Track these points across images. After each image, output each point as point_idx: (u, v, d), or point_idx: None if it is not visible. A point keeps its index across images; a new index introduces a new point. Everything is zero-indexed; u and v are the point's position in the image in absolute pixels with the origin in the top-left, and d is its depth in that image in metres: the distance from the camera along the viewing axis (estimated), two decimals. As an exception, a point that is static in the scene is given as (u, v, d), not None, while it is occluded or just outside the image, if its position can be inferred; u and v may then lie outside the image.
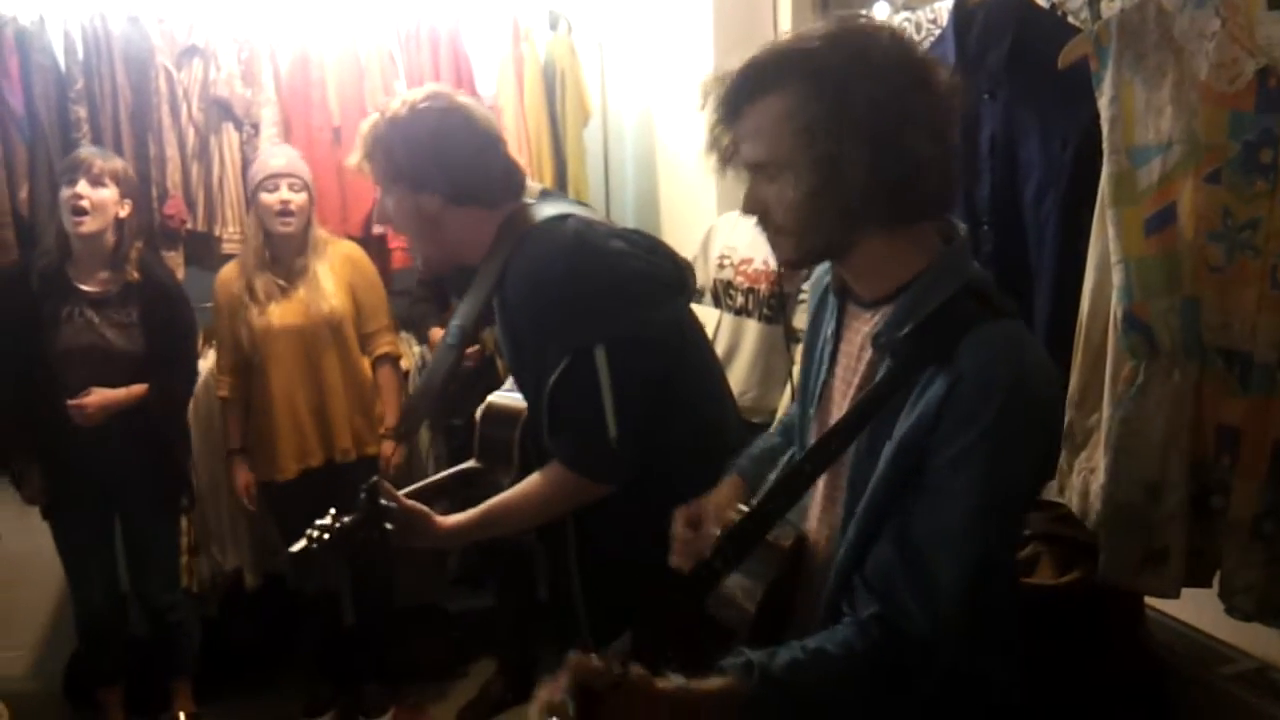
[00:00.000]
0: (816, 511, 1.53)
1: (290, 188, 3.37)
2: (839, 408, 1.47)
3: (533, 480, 2.10)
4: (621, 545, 2.09)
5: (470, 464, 2.36)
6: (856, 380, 1.43)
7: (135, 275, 3.25)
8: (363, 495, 2.01)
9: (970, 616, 1.30)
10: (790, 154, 1.33)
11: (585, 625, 2.26)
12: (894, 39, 1.35)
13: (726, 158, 1.43)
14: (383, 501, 2.01)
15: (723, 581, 1.36)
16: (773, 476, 1.69)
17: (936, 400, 1.27)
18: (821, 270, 1.64)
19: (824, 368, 1.53)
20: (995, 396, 1.25)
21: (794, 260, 1.43)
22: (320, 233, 3.50)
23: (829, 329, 1.53)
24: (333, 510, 2.02)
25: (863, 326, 1.44)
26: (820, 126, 1.29)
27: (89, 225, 3.13)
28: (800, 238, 1.38)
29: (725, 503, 1.66)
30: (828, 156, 1.29)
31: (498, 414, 2.35)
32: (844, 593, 1.37)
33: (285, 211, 3.36)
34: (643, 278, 2.10)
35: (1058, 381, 1.36)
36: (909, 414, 1.30)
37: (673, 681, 1.21)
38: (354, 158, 2.13)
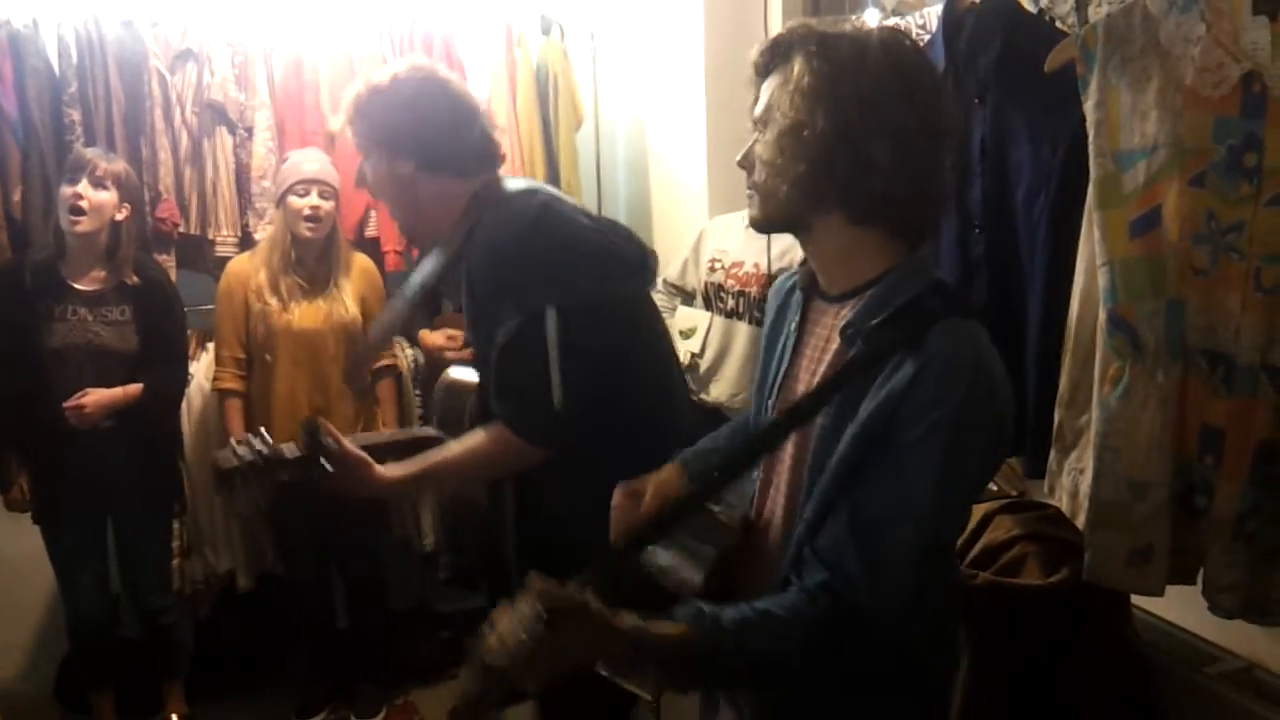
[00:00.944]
0: (774, 493, 1.57)
1: (321, 194, 3.40)
2: None
3: (475, 437, 2.14)
4: (559, 522, 2.14)
5: (429, 430, 2.41)
6: (822, 370, 1.48)
7: (134, 280, 3.26)
8: (303, 430, 2.03)
9: (912, 594, 1.37)
10: (774, 113, 1.43)
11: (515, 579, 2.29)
12: (908, 59, 1.42)
13: None
14: (324, 440, 2.03)
15: (668, 537, 1.46)
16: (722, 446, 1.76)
17: (903, 383, 1.33)
18: (784, 277, 1.70)
19: (786, 360, 1.57)
20: (960, 383, 1.32)
21: (759, 219, 1.51)
22: (344, 242, 3.54)
23: (792, 324, 1.58)
24: (267, 434, 2.05)
25: (829, 320, 1.50)
26: (806, 94, 1.39)
27: (85, 225, 3.14)
28: (764, 196, 1.48)
29: (667, 480, 1.70)
30: (799, 122, 1.39)
31: (455, 385, 2.46)
32: (796, 565, 1.43)
33: (314, 217, 3.39)
34: (602, 251, 2.16)
35: (1008, 380, 1.40)
36: (874, 396, 1.35)
37: (629, 621, 1.28)
38: (337, 122, 2.22)
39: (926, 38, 2.48)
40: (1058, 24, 2.12)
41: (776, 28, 3.51)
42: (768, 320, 1.70)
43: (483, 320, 2.13)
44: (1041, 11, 2.17)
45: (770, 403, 1.59)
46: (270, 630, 3.96)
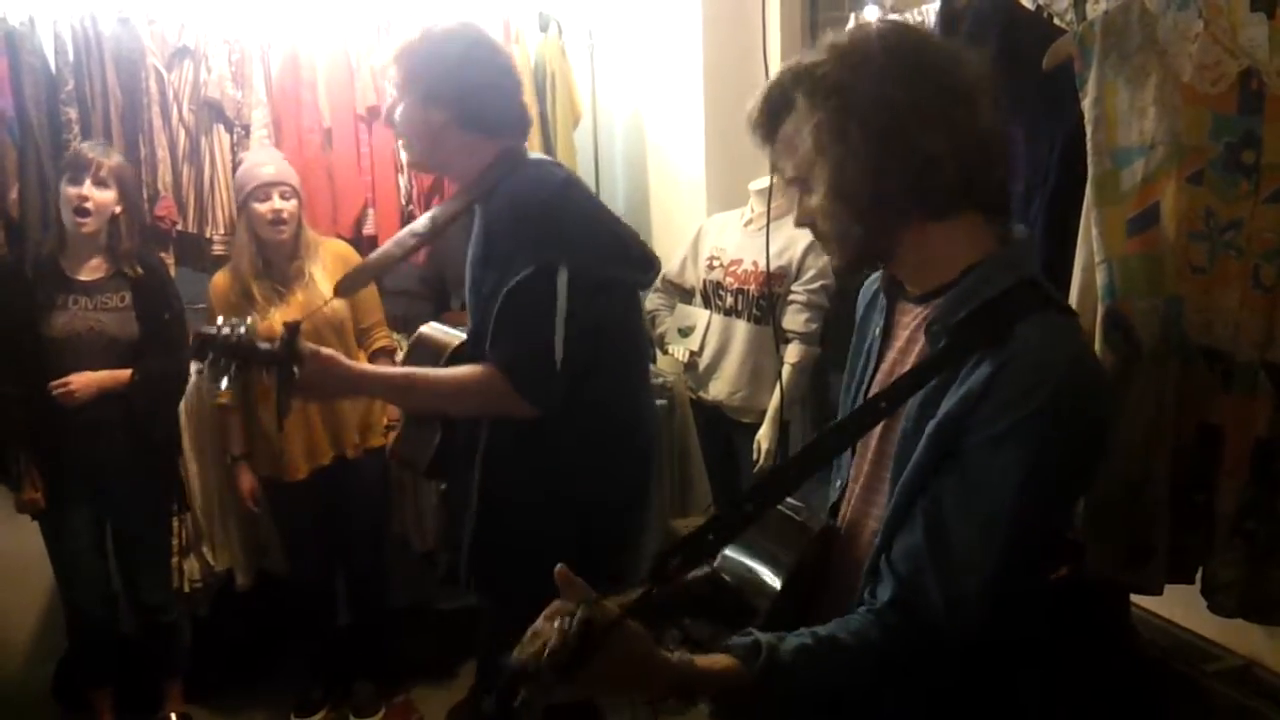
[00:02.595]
0: (861, 504, 1.50)
1: (282, 196, 3.38)
2: None
3: (463, 368, 2.18)
4: (520, 490, 2.20)
5: None
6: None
7: (138, 271, 3.29)
8: (284, 330, 2.05)
9: (993, 608, 1.27)
10: (809, 165, 1.35)
11: (465, 562, 2.31)
12: (905, 39, 1.35)
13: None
14: (299, 344, 2.05)
15: (741, 533, 1.31)
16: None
17: (983, 379, 1.25)
18: (870, 279, 1.64)
19: (872, 365, 1.52)
20: (1046, 383, 1.23)
21: (842, 266, 1.45)
22: (310, 234, 3.51)
23: (878, 328, 1.52)
24: (249, 321, 2.06)
25: (913, 321, 1.44)
26: (826, 131, 1.31)
27: (91, 226, 3.19)
28: (839, 243, 1.40)
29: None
30: (836, 160, 1.32)
31: (428, 343, 2.43)
32: (871, 579, 1.35)
33: (278, 220, 3.37)
34: (617, 236, 2.24)
35: (1108, 381, 1.34)
36: (954, 393, 1.28)
37: (675, 654, 1.20)
38: (383, 60, 2.31)
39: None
40: (1055, 21, 2.11)
41: (775, 22, 3.52)
42: (857, 323, 1.65)
43: (492, 268, 2.15)
44: (1039, 8, 2.16)
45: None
46: (269, 628, 3.96)
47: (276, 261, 3.45)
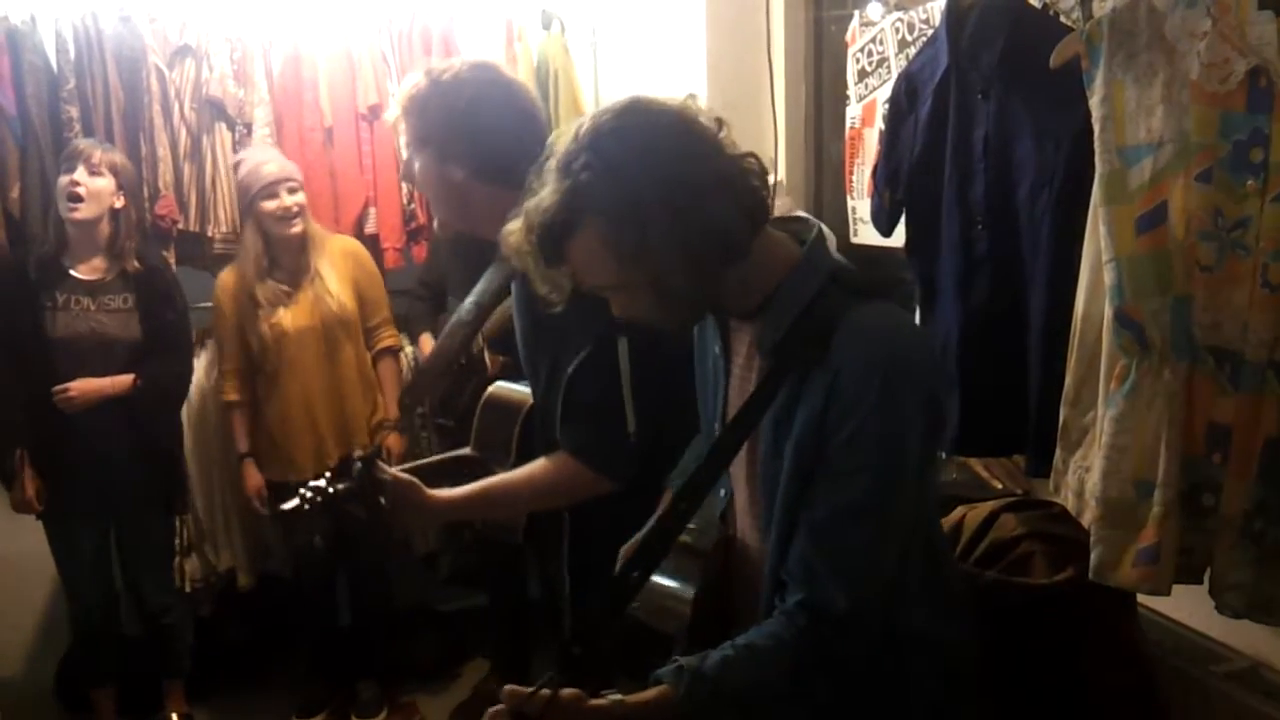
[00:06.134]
0: (744, 517, 1.58)
1: (289, 191, 3.40)
2: None
3: (536, 465, 2.06)
4: (612, 549, 2.08)
5: (465, 451, 2.33)
6: (750, 390, 1.48)
7: (136, 266, 3.28)
8: (357, 464, 1.99)
9: (887, 582, 1.40)
10: (622, 278, 1.40)
11: (569, 627, 2.24)
12: (645, 117, 1.41)
13: (578, 288, 1.49)
14: (379, 474, 1.98)
15: (640, 592, 1.42)
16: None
17: (821, 394, 1.35)
18: None
19: (722, 383, 1.57)
20: (874, 377, 1.34)
21: (680, 330, 1.55)
22: (316, 228, 3.52)
23: (716, 347, 1.58)
24: (328, 474, 2.01)
25: (747, 337, 1.51)
26: (634, 250, 1.35)
27: (83, 212, 3.16)
28: (672, 323, 1.49)
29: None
30: (650, 271, 1.36)
31: (499, 404, 2.31)
32: (778, 590, 1.44)
33: (288, 215, 3.39)
34: None
35: (933, 349, 1.47)
36: (801, 411, 1.38)
37: (607, 698, 1.27)
38: (391, 114, 2.10)
39: (929, 32, 2.47)
40: (1062, 19, 2.11)
41: (779, 20, 3.51)
42: (694, 342, 1.70)
43: (545, 346, 2.04)
44: (1046, 6, 2.16)
45: (717, 426, 1.60)
46: (271, 629, 3.95)
47: (285, 259, 3.45)
